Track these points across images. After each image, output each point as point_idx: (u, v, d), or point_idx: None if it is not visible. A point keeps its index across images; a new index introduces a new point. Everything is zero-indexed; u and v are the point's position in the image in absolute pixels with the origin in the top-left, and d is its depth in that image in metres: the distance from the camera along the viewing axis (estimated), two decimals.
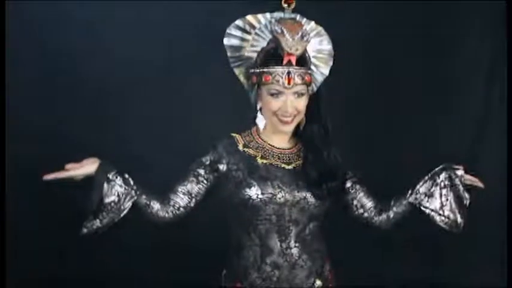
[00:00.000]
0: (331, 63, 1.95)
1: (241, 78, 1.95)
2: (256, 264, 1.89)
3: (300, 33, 1.79)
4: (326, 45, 1.94)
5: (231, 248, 1.96)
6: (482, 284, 3.26)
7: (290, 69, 1.81)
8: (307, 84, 1.86)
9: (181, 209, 1.92)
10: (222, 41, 1.92)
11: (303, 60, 1.85)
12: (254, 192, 1.86)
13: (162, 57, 3.31)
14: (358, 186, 2.03)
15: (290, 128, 1.90)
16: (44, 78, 3.30)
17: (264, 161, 1.92)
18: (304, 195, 1.89)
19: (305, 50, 1.85)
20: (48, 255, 3.27)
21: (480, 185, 2.01)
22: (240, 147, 1.95)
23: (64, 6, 3.27)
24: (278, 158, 1.94)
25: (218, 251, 2.03)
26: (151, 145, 3.33)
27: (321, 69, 1.95)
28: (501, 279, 3.10)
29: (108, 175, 1.82)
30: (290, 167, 1.93)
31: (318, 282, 1.91)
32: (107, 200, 1.81)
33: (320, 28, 1.93)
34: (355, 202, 2.03)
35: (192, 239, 3.16)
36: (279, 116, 1.87)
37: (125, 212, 1.84)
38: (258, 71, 1.86)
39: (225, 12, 2.05)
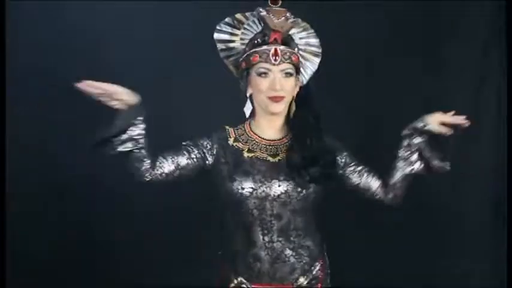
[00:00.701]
0: (319, 56, 2.02)
1: (231, 68, 2.02)
2: (242, 253, 1.92)
3: (284, 16, 1.89)
4: (313, 39, 2.00)
5: (223, 232, 2.00)
6: (482, 284, 3.26)
7: (276, 47, 1.87)
8: (295, 64, 1.91)
9: (164, 174, 1.94)
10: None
11: (289, 41, 1.92)
12: (235, 186, 1.89)
13: (162, 57, 3.30)
14: (358, 169, 2.02)
15: (280, 107, 1.91)
16: (44, 78, 3.30)
17: (250, 155, 1.95)
18: (286, 189, 1.89)
19: (291, 35, 1.93)
20: (48, 255, 3.27)
21: (459, 121, 1.99)
22: (231, 142, 1.98)
23: (64, 6, 3.27)
24: (265, 150, 1.96)
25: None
26: (151, 144, 3.33)
27: (310, 62, 2.01)
28: (501, 280, 3.10)
29: (132, 121, 1.85)
30: (275, 159, 1.95)
31: (301, 280, 1.92)
32: (117, 135, 1.86)
33: (306, 24, 1.99)
34: (361, 186, 2.02)
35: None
36: (268, 95, 1.89)
37: (119, 150, 1.86)
38: (246, 55, 1.92)
39: (215, 12, 2.11)
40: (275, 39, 1.88)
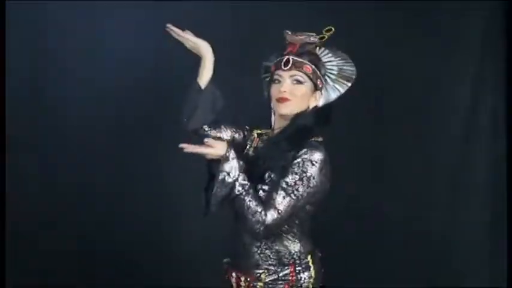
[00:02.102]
0: (351, 82, 2.12)
1: (264, 86, 2.18)
2: (230, 237, 2.08)
3: (307, 36, 2.05)
4: (349, 67, 2.13)
5: None
6: (482, 284, 3.26)
7: (289, 56, 2.04)
8: (307, 74, 2.02)
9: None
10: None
11: (305, 55, 2.05)
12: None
13: (164, 60, 3.30)
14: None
15: (285, 108, 2.01)
16: (44, 79, 3.30)
17: (250, 151, 2.10)
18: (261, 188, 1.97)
19: (313, 54, 2.07)
20: (48, 256, 3.28)
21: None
22: (254, 132, 2.14)
23: (64, 6, 3.26)
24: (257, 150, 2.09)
25: None
26: (152, 145, 3.34)
27: (339, 84, 2.13)
28: (501, 279, 3.11)
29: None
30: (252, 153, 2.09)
31: (263, 276, 2.00)
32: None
33: (345, 55, 2.13)
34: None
35: None
36: (276, 97, 2.02)
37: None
38: (269, 68, 2.13)
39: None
40: (290, 51, 2.05)
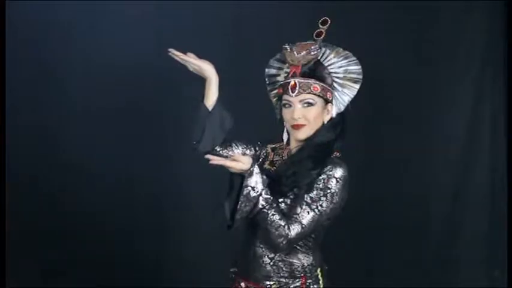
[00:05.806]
0: (359, 82, 2.07)
1: (272, 99, 2.16)
2: (240, 246, 2.07)
3: (307, 50, 2.00)
4: (354, 66, 2.07)
5: None
6: (482, 284, 3.27)
7: (295, 80, 2.00)
8: (316, 94, 1.99)
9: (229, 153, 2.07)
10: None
11: (310, 73, 2.01)
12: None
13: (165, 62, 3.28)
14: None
15: (301, 134, 2.00)
16: (44, 79, 3.31)
17: (268, 167, 2.08)
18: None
19: (316, 65, 2.02)
20: (48, 256, 3.28)
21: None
22: (268, 147, 2.14)
23: (64, 6, 3.27)
24: (273, 164, 2.08)
25: None
26: (155, 145, 3.35)
27: (348, 89, 2.07)
28: (501, 280, 3.11)
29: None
30: (271, 167, 2.07)
31: (274, 287, 2.01)
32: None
33: (348, 52, 2.07)
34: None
35: None
36: (291, 124, 2.01)
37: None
38: (275, 87, 2.10)
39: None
40: (294, 72, 2.01)
